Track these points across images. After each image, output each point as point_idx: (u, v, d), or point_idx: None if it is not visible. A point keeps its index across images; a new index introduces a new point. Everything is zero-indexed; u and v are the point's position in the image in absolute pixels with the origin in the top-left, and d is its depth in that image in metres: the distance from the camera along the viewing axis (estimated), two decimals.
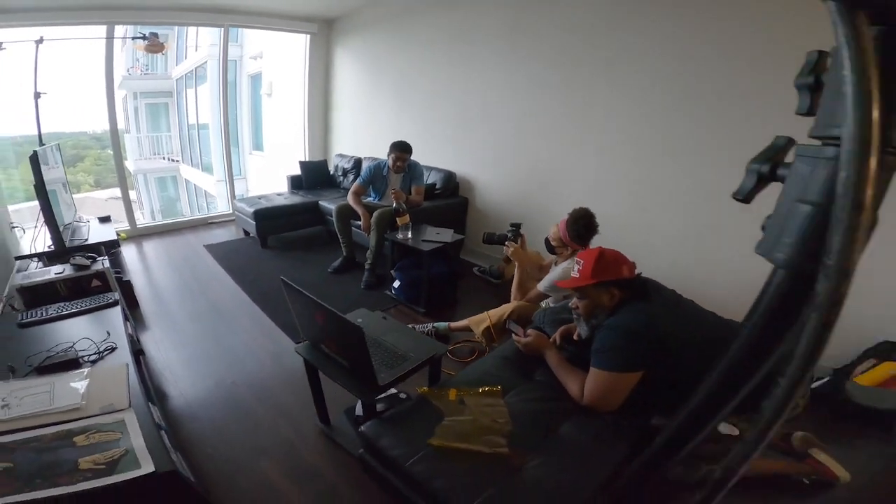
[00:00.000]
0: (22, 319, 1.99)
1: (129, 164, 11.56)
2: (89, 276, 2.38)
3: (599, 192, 2.81)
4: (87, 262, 2.43)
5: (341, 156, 4.93)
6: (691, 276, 2.45)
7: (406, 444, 1.14)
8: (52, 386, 1.47)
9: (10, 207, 3.76)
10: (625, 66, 2.57)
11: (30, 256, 2.72)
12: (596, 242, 2.94)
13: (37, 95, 3.33)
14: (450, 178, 3.70)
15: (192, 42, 9.04)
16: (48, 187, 2.54)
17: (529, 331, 1.59)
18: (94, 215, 3.54)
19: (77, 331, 1.89)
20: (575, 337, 1.48)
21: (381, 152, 3.53)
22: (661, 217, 2.60)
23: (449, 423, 1.20)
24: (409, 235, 2.80)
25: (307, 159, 5.31)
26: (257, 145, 7.67)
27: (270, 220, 4.01)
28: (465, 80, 3.54)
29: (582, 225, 2.03)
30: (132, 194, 12.62)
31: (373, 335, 1.51)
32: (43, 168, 2.51)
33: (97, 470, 1.11)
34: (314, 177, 4.74)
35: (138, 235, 4.57)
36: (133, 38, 3.74)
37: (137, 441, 1.23)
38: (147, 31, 3.78)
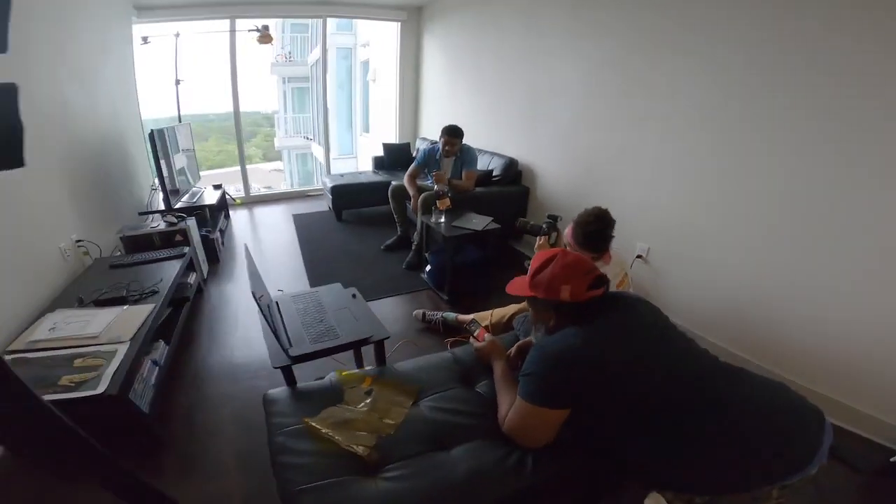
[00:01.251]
0: (113, 262, 2.50)
1: (276, 141, 13.52)
2: (173, 232, 2.86)
3: (676, 194, 2.38)
4: (175, 220, 2.92)
5: (424, 139, 5.04)
6: (789, 308, 1.93)
7: (290, 415, 1.17)
8: (93, 317, 1.81)
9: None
10: (719, 45, 2.07)
11: (149, 213, 3.37)
12: (661, 250, 2.61)
13: (177, 82, 4.05)
14: (511, 166, 3.51)
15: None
16: (176, 160, 3.21)
17: (487, 336, 1.46)
18: (258, 184, 4.27)
19: (143, 275, 2.30)
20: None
21: None
22: (752, 225, 2.04)
23: (338, 409, 1.18)
24: (442, 220, 2.76)
25: (397, 142, 5.55)
26: (365, 127, 8.30)
27: (345, 196, 4.33)
28: (535, 64, 3.30)
29: (592, 230, 1.68)
30: (280, 165, 14.78)
31: (319, 309, 1.55)
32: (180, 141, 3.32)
33: (66, 387, 1.36)
34: (396, 158, 4.94)
35: (251, 202, 5.34)
36: (249, 31, 4.31)
37: (111, 368, 1.46)
38: (260, 23, 4.31)
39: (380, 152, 5.17)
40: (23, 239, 2.12)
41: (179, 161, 3.68)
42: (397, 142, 5.54)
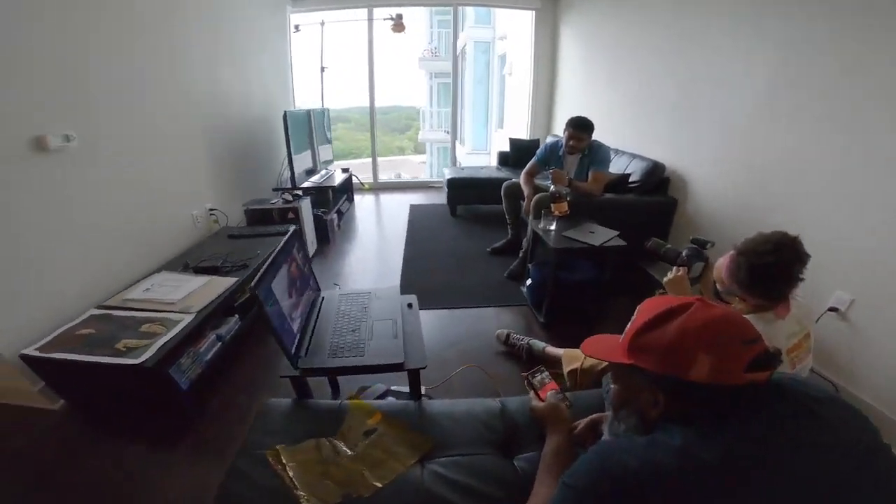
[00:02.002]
0: (231, 232, 2.67)
1: (420, 134, 14.18)
2: (287, 209, 2.98)
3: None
4: (291, 198, 3.04)
5: (555, 136, 4.54)
6: None
7: (275, 433, 0.96)
8: (185, 283, 1.88)
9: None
10: None
11: (280, 190, 3.61)
12: (872, 305, 1.73)
13: (322, 69, 4.32)
14: (653, 171, 2.85)
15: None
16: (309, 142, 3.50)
17: (552, 395, 1.04)
18: (408, 174, 4.49)
19: (247, 247, 2.38)
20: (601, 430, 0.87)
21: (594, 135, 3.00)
22: None
23: (326, 443, 0.91)
24: (553, 227, 2.32)
25: (528, 138, 5.15)
26: (500, 123, 8.01)
27: (461, 190, 4.12)
28: (691, 49, 2.60)
29: (770, 264, 1.07)
30: (423, 158, 15.53)
31: (360, 315, 1.31)
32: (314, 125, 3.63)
33: (119, 351, 1.36)
34: (521, 155, 4.53)
35: (378, 188, 5.53)
36: (384, 20, 4.39)
37: (164, 339, 1.44)
38: (395, 12, 4.35)
39: (507, 147, 4.84)
40: (160, 203, 2.36)
41: (313, 143, 3.90)
42: (527, 138, 5.14)
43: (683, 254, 1.58)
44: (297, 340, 1.12)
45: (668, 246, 1.67)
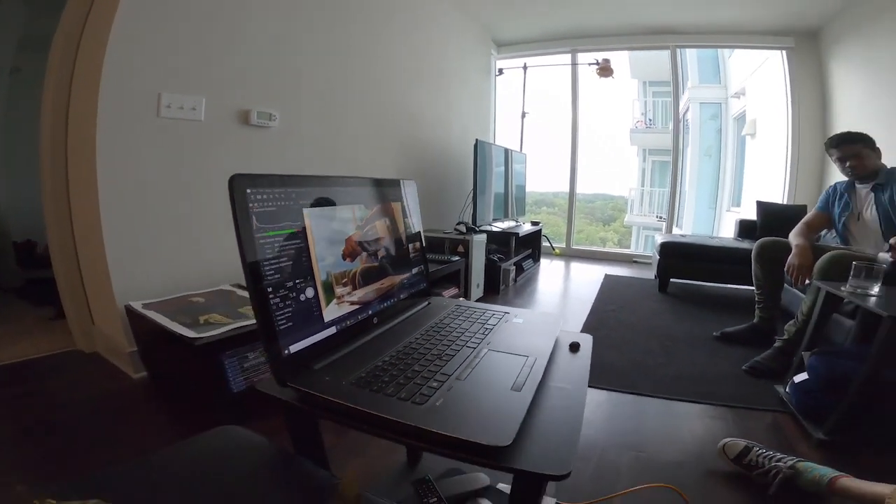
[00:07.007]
0: None
1: (626, 217, 13.00)
2: (457, 241, 2.66)
3: None
4: (465, 231, 2.73)
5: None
6: None
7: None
8: None
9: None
10: None
11: (458, 224, 3.35)
12: None
13: (523, 115, 4.18)
14: None
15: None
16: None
17: None
18: None
19: None
20: None
21: None
22: None
23: None
24: (876, 290, 1.28)
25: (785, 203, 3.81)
26: (735, 200, 6.35)
27: (678, 259, 3.12)
28: None
29: None
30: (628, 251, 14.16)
31: (468, 339, 0.70)
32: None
33: (197, 323, 1.11)
34: (775, 223, 3.26)
35: (570, 254, 4.92)
36: (589, 64, 4.01)
37: (239, 323, 1.13)
38: (601, 57, 3.96)
39: (748, 216, 3.62)
40: None
41: (509, 185, 3.66)
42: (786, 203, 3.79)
43: None
44: (316, 338, 0.60)
45: None
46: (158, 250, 1.52)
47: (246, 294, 1.44)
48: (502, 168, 3.55)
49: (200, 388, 1.18)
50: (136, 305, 1.26)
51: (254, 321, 1.08)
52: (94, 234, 1.41)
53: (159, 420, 1.25)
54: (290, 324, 0.55)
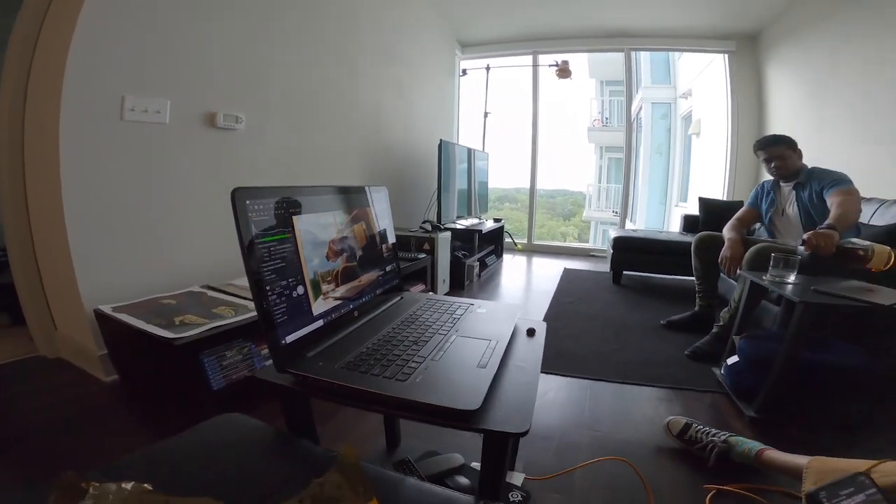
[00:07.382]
0: None
1: (584, 212, 13.49)
2: (423, 240, 2.75)
3: None
4: (430, 229, 2.81)
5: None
6: None
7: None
8: None
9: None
10: None
11: (424, 223, 3.45)
12: None
13: (485, 114, 4.31)
14: None
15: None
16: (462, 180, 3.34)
17: None
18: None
19: None
20: None
21: None
22: None
23: None
24: (791, 279, 1.47)
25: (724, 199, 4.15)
26: (683, 196, 6.81)
27: (630, 252, 3.35)
28: None
29: None
30: (587, 245, 14.71)
31: (439, 327, 0.80)
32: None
33: (172, 324, 1.13)
34: (716, 219, 3.55)
35: (532, 249, 5.12)
36: (549, 66, 4.22)
37: (217, 322, 1.18)
38: (560, 58, 4.18)
39: (693, 211, 3.92)
40: None
41: (471, 184, 3.76)
42: (725, 199, 4.14)
43: None
44: (308, 329, 0.68)
45: None
46: (126, 253, 1.51)
47: (217, 295, 1.46)
48: (465, 166, 3.66)
49: (179, 388, 1.21)
50: (106, 309, 1.27)
51: (230, 320, 1.15)
52: (58, 238, 1.39)
53: (140, 419, 1.26)
54: (285, 317, 0.63)
